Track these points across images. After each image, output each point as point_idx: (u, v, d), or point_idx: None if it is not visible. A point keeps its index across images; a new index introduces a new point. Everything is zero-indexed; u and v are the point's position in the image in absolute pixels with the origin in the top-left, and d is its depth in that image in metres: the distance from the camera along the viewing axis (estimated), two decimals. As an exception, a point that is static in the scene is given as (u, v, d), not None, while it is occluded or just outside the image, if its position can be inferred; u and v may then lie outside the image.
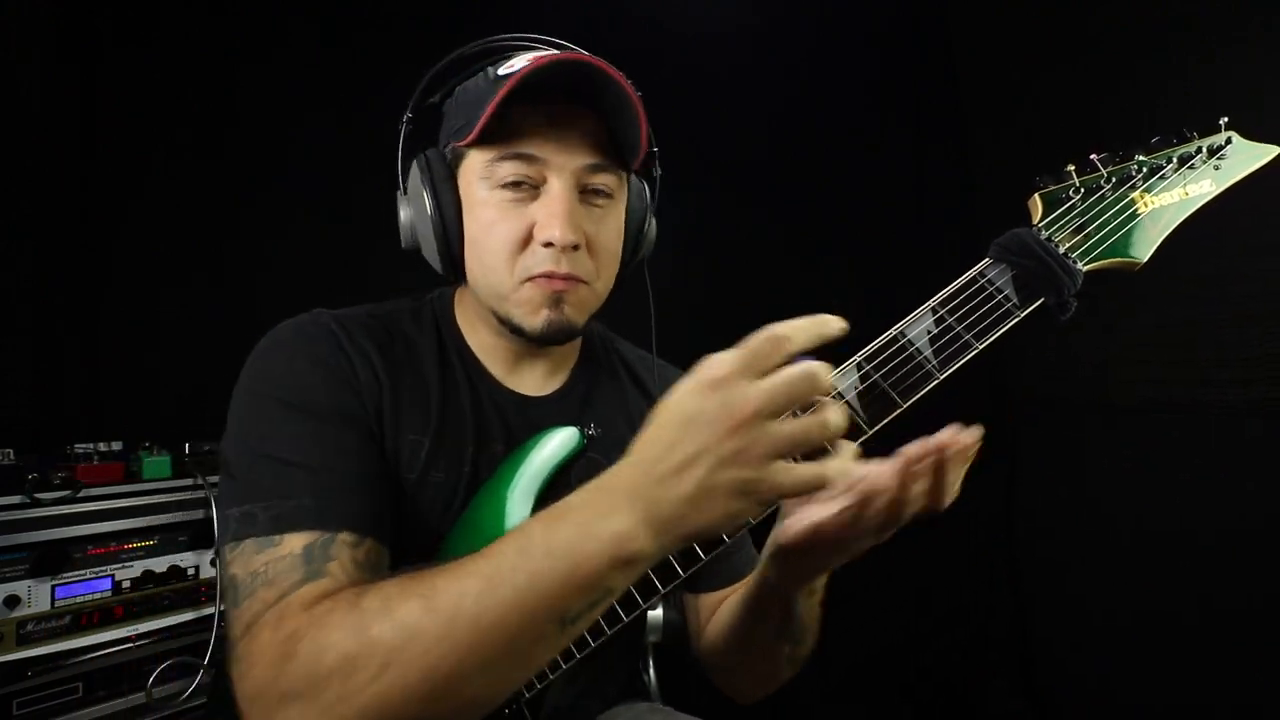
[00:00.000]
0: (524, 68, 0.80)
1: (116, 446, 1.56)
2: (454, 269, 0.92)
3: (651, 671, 1.30)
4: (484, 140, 0.84)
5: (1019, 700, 2.19)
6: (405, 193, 0.95)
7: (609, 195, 0.90)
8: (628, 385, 1.07)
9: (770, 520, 0.76)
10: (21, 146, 1.75)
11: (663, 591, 0.76)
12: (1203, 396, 1.70)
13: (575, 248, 0.85)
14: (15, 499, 1.37)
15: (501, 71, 0.87)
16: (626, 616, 0.77)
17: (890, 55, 2.48)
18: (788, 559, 0.76)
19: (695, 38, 2.35)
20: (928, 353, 0.71)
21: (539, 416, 0.96)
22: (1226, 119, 0.79)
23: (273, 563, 0.69)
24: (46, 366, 1.77)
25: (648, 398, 1.04)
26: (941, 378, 0.71)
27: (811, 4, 2.44)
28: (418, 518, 0.86)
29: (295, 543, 0.70)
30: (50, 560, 1.37)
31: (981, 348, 0.71)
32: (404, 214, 0.95)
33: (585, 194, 0.88)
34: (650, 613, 1.18)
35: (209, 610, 1.49)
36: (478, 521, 0.86)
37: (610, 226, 0.92)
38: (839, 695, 2.32)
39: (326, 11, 2.12)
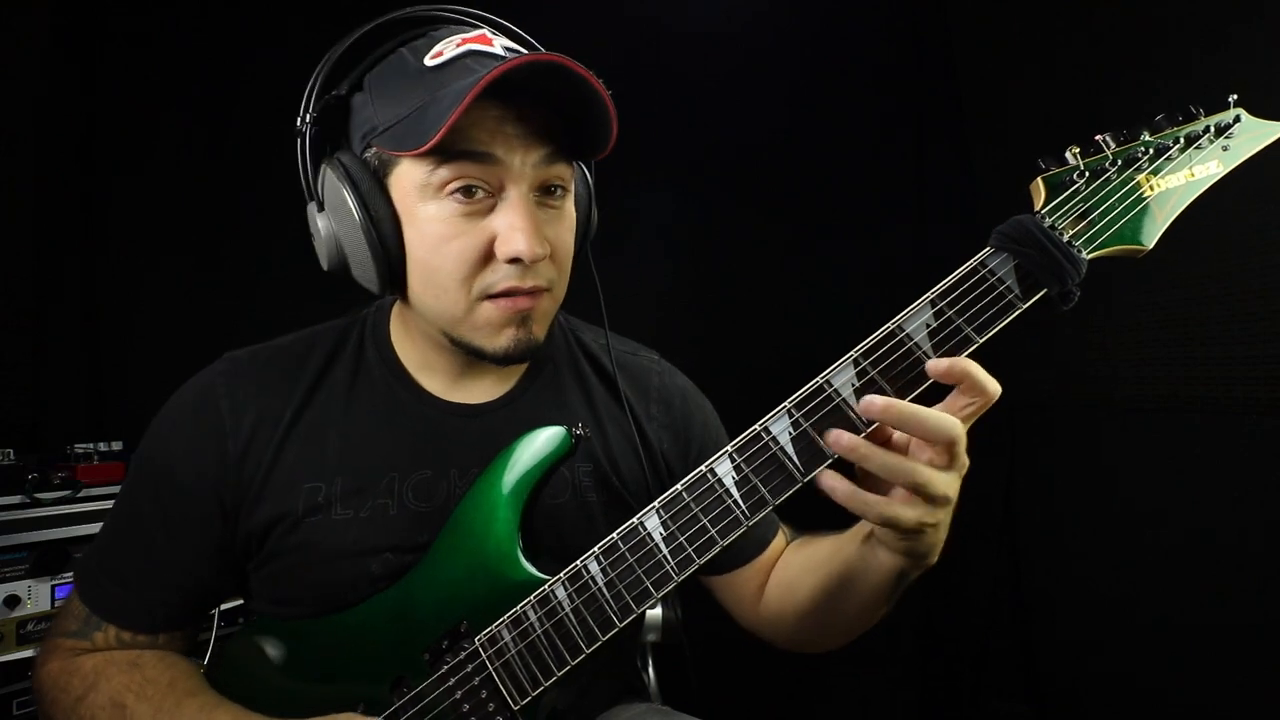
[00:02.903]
0: (489, 74, 0.69)
1: (116, 446, 1.57)
2: (395, 290, 0.83)
3: (651, 671, 1.29)
4: (426, 152, 0.73)
5: (1019, 702, 2.19)
6: (322, 206, 0.82)
7: (564, 190, 0.83)
8: (590, 375, 1.00)
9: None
10: (21, 146, 1.75)
11: (657, 596, 0.75)
12: (1206, 395, 1.69)
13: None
14: (15, 499, 1.37)
15: (429, 62, 0.77)
16: (622, 621, 0.76)
17: (890, 55, 2.47)
18: (883, 542, 0.73)
19: (695, 38, 2.35)
20: (926, 347, 0.69)
21: (488, 424, 0.91)
22: (1235, 96, 0.76)
23: (71, 607, 0.88)
24: (46, 366, 1.78)
25: (612, 387, 0.99)
26: None
27: (811, 4, 2.43)
28: (335, 557, 0.84)
29: (83, 608, 0.87)
30: (50, 560, 1.37)
31: (982, 341, 0.69)
32: (323, 230, 0.82)
33: (541, 193, 0.80)
34: (649, 612, 1.18)
35: (204, 616, 1.49)
36: (467, 525, 0.84)
37: (566, 225, 0.85)
38: (839, 696, 2.31)
39: (326, 11, 2.12)
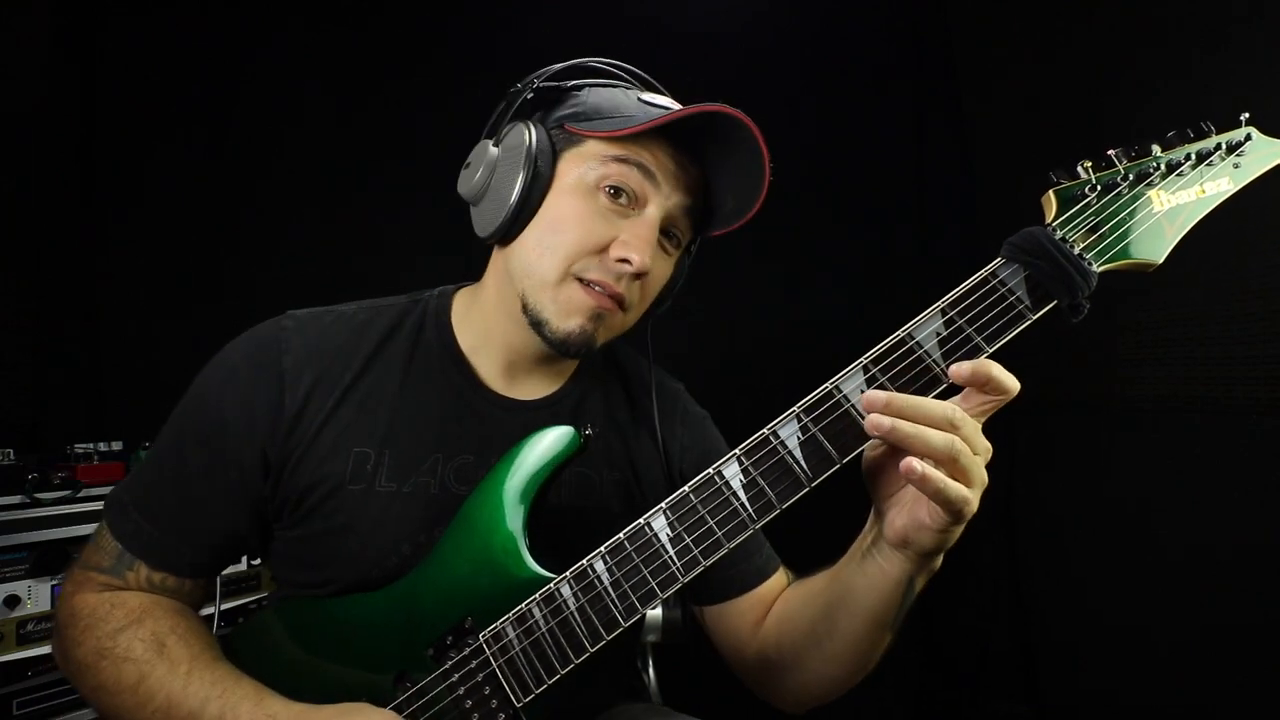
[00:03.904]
0: (699, 106, 0.83)
1: (116, 446, 1.56)
2: (502, 237, 0.90)
3: (651, 671, 1.29)
4: (619, 137, 0.85)
5: (1019, 703, 2.19)
6: (498, 144, 0.91)
7: (677, 245, 0.93)
8: (623, 395, 1.05)
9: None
10: (21, 147, 1.75)
11: (662, 597, 0.75)
12: (1206, 395, 1.69)
13: (638, 276, 0.87)
14: (15, 499, 1.37)
15: (645, 98, 0.92)
16: (626, 620, 0.76)
17: (890, 55, 2.47)
18: (909, 545, 0.71)
19: (695, 38, 2.35)
20: (936, 355, 0.70)
21: (528, 421, 0.93)
22: (1247, 115, 0.76)
23: (102, 541, 0.89)
24: (46, 366, 1.78)
25: (641, 413, 1.03)
26: (949, 382, 0.69)
27: (811, 4, 2.43)
28: (372, 527, 0.86)
29: (115, 544, 0.88)
30: (50, 560, 1.37)
31: (991, 351, 0.69)
32: (484, 165, 0.91)
33: (663, 234, 0.90)
34: (650, 613, 1.18)
35: (208, 610, 1.49)
36: (474, 522, 0.84)
37: (663, 272, 0.94)
38: (838, 698, 2.31)
39: (326, 11, 2.11)
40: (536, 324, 0.88)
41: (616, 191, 0.86)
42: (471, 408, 0.93)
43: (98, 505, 1.44)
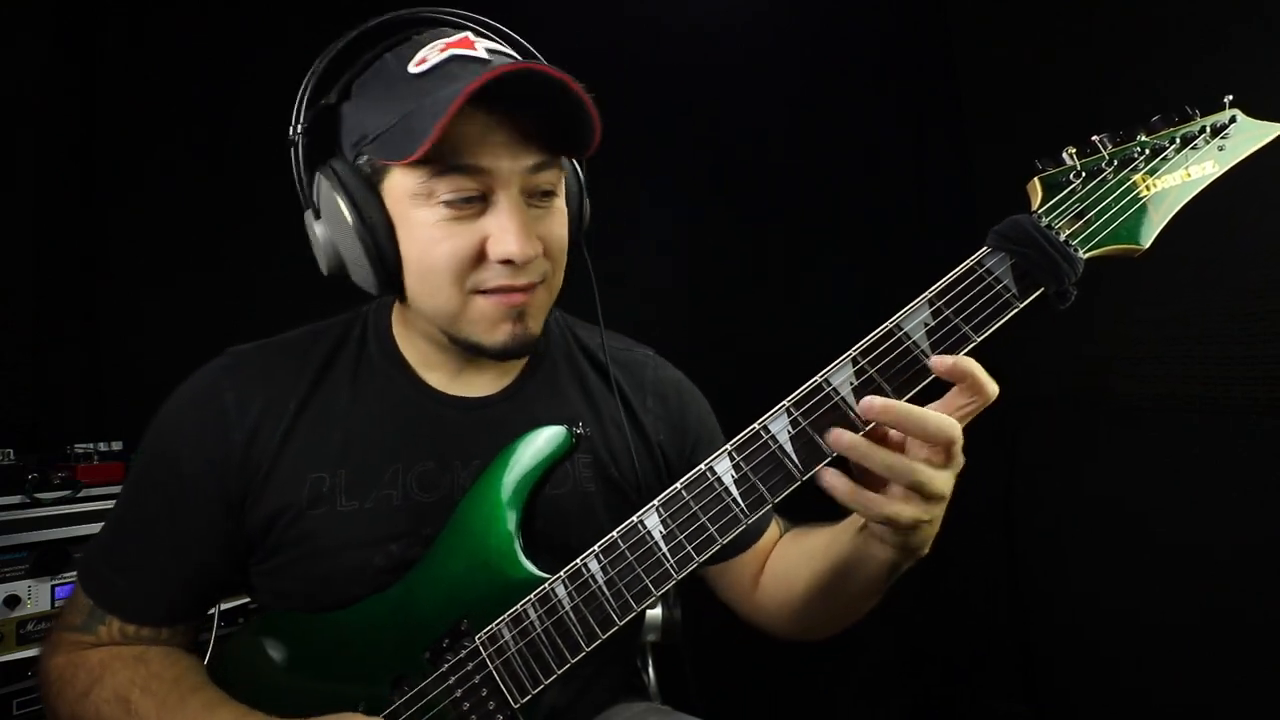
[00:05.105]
0: (467, 87, 0.69)
1: (116, 446, 1.56)
2: (393, 291, 0.84)
3: (650, 671, 1.29)
4: (415, 162, 0.74)
5: (1018, 702, 2.19)
6: (319, 214, 0.84)
7: (553, 192, 0.84)
8: (587, 370, 1.01)
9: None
10: (21, 145, 1.75)
11: (656, 594, 0.75)
12: (1204, 395, 1.68)
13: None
14: (15, 499, 1.37)
15: (413, 69, 0.78)
16: (621, 619, 0.76)
17: (890, 55, 2.48)
18: (877, 535, 0.73)
19: (695, 37, 2.35)
20: (924, 346, 0.69)
21: (488, 418, 0.92)
22: (1231, 97, 0.76)
23: (76, 600, 0.89)
24: (46, 366, 1.78)
25: (607, 380, 1.00)
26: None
27: (811, 4, 2.43)
28: (340, 548, 0.85)
29: (87, 601, 0.88)
30: (50, 560, 1.37)
31: (980, 340, 0.69)
32: (320, 236, 0.84)
33: (532, 197, 0.81)
34: (649, 612, 1.18)
35: (208, 610, 1.49)
36: (469, 524, 0.84)
37: (558, 221, 0.86)
38: (837, 697, 2.31)
39: (326, 11, 2.12)
40: (473, 349, 0.85)
41: (463, 200, 0.77)
42: (425, 413, 0.91)
43: (98, 505, 1.44)
